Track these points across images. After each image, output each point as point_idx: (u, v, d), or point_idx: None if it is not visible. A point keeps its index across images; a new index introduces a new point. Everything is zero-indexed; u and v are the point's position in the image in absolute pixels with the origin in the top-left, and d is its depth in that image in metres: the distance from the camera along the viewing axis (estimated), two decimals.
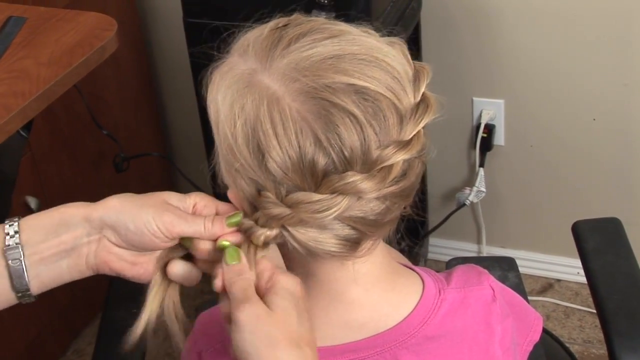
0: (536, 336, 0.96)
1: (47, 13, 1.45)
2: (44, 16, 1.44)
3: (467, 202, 2.07)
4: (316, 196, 0.73)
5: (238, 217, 0.78)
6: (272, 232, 0.76)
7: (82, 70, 1.33)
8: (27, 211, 1.84)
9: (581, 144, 1.98)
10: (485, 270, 0.92)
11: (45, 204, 1.90)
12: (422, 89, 0.77)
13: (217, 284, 0.76)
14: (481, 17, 1.91)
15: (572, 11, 1.83)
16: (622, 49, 1.85)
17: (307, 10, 1.57)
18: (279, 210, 0.74)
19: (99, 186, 2.11)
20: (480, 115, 2.02)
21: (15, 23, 1.42)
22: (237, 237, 0.78)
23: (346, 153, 0.73)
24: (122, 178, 2.13)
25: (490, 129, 2.02)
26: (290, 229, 0.75)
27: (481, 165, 2.05)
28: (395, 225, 0.82)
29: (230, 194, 0.81)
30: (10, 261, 0.81)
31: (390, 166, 0.74)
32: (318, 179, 0.73)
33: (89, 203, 0.83)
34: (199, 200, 0.82)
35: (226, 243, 0.78)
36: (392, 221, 0.80)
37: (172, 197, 0.82)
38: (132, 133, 2.18)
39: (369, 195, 0.74)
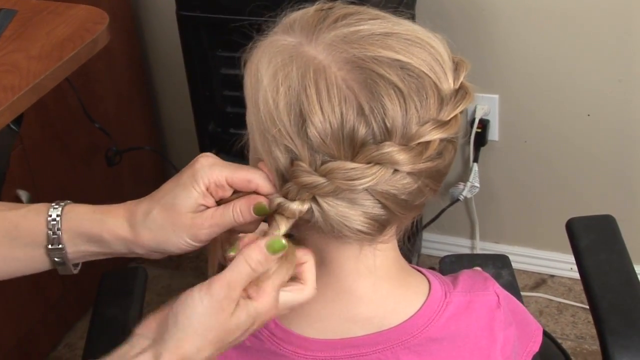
0: (536, 347, 0.96)
1: (38, 6, 1.44)
2: (35, 9, 1.43)
3: (461, 198, 2.07)
4: (352, 164, 0.73)
5: (262, 206, 0.79)
6: (303, 206, 0.76)
7: (73, 64, 1.32)
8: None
9: (575, 139, 1.98)
10: (491, 277, 0.92)
11: (36, 198, 1.90)
12: (462, 78, 0.79)
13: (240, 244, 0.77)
14: (476, 12, 1.91)
15: (567, 7, 1.83)
16: (616, 45, 1.84)
17: (302, 2, 1.56)
18: (312, 178, 0.74)
19: (91, 179, 2.10)
20: (474, 111, 2.01)
21: (5, 15, 1.41)
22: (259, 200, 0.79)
23: (387, 124, 0.73)
24: (114, 171, 2.12)
25: (484, 124, 2.01)
26: (320, 200, 0.75)
27: (475, 160, 2.05)
28: (419, 213, 0.82)
29: (261, 165, 0.80)
30: (49, 217, 0.86)
31: (428, 143, 0.74)
32: (356, 147, 0.74)
33: (126, 217, 0.84)
34: (208, 183, 0.81)
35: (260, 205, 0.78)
36: (419, 206, 0.80)
37: (184, 203, 0.81)
38: (124, 126, 2.17)
39: (404, 168, 0.74)
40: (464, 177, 2.10)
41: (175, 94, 2.24)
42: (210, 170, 0.81)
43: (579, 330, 2.04)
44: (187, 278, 2.27)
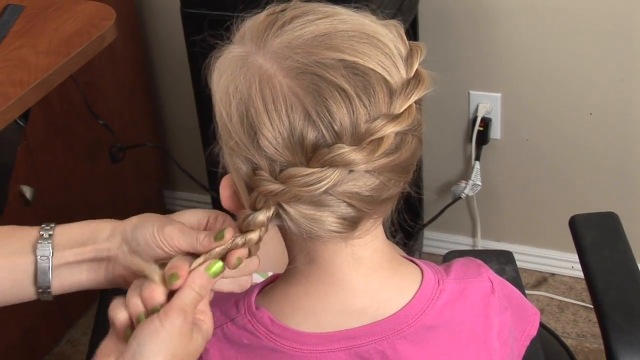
0: (533, 331, 0.97)
1: (45, 1, 1.44)
2: (42, 5, 1.44)
3: (463, 196, 2.07)
4: (307, 170, 0.74)
5: (222, 232, 0.81)
6: (270, 213, 0.77)
7: (80, 60, 1.32)
8: (22, 200, 1.84)
9: (577, 138, 1.98)
10: (484, 263, 0.93)
11: (40, 194, 1.90)
12: (415, 66, 0.78)
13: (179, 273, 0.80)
14: (479, 10, 1.91)
15: (570, 5, 1.84)
16: (619, 43, 1.85)
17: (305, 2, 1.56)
18: (274, 186, 0.75)
19: (94, 176, 2.11)
20: (476, 109, 2.02)
21: (12, 11, 1.42)
22: (236, 255, 0.81)
23: (335, 126, 0.74)
24: (117, 168, 2.13)
25: (486, 122, 2.02)
26: (286, 206, 0.76)
27: (477, 158, 2.05)
28: (395, 204, 0.82)
29: (223, 182, 0.82)
30: (39, 257, 0.87)
31: (381, 139, 0.74)
32: (308, 153, 0.74)
33: (116, 220, 0.89)
34: (217, 215, 0.86)
35: (173, 275, 0.80)
36: (390, 199, 0.80)
37: (185, 215, 0.87)
38: (128, 123, 2.18)
39: (359, 167, 0.75)
40: (465, 175, 2.10)
41: (178, 91, 2.24)
42: (222, 215, 0.87)
43: (580, 329, 2.05)
44: None
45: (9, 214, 1.61)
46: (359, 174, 0.75)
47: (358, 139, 0.74)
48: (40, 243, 0.87)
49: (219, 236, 0.81)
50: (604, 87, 1.90)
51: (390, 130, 0.74)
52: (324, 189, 0.74)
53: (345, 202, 0.76)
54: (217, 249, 0.80)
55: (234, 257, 0.80)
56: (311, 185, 0.74)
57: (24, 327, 1.97)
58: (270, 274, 1.22)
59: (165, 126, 2.36)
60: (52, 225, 0.88)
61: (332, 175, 0.74)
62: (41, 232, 0.88)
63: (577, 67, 1.90)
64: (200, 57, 1.77)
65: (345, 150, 0.73)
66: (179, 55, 2.01)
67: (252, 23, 0.81)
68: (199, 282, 0.79)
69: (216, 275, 0.80)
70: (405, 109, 0.76)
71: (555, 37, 1.88)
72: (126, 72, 2.16)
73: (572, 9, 1.84)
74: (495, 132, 2.04)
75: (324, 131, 0.74)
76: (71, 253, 0.87)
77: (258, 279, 1.20)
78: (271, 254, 0.98)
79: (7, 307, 1.93)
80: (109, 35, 1.36)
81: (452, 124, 2.07)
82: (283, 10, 0.80)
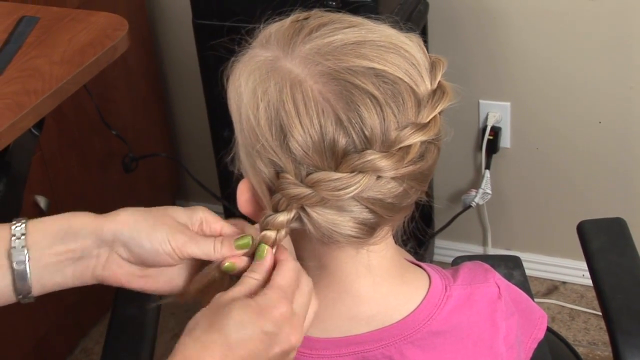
0: (540, 334, 0.97)
1: (60, 13, 1.46)
2: (57, 16, 1.46)
3: (473, 204, 2.08)
4: (336, 174, 0.75)
5: (247, 239, 0.81)
6: (291, 215, 0.77)
7: (94, 69, 1.34)
8: (37, 210, 1.86)
9: (587, 146, 1.99)
10: (491, 268, 0.93)
11: (55, 204, 1.92)
12: (439, 78, 0.79)
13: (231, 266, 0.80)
14: (488, 20, 1.93)
15: (579, 14, 1.85)
16: (628, 52, 1.86)
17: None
18: (299, 190, 0.76)
19: (108, 186, 2.12)
20: (486, 118, 2.03)
21: (28, 23, 1.44)
22: (243, 261, 0.81)
23: (366, 132, 0.75)
24: (130, 178, 2.14)
25: (496, 131, 2.03)
26: (309, 210, 0.77)
27: (487, 167, 2.06)
28: (410, 213, 0.83)
29: (242, 186, 0.82)
30: (14, 263, 0.81)
31: (409, 147, 0.75)
32: (338, 158, 0.75)
33: (97, 215, 0.84)
34: (205, 217, 0.84)
35: (230, 265, 0.80)
36: (408, 207, 0.81)
37: (179, 213, 0.84)
38: (140, 133, 2.20)
39: (387, 174, 0.75)
40: (476, 184, 2.11)
41: (191, 101, 2.26)
42: (206, 212, 0.85)
43: (591, 337, 2.05)
44: None
45: None
46: (386, 180, 0.76)
47: (388, 145, 0.75)
48: (14, 247, 0.81)
49: (243, 243, 0.81)
50: (613, 96, 1.91)
51: (418, 138, 0.76)
52: (352, 194, 0.75)
53: (367, 207, 0.77)
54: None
55: (224, 263, 0.80)
56: (340, 189, 0.75)
57: (38, 336, 1.98)
58: None
59: (177, 136, 2.38)
60: (23, 221, 0.82)
61: (361, 181, 0.75)
62: (12, 232, 0.82)
63: (586, 76, 1.91)
64: (212, 67, 1.80)
65: (376, 157, 0.74)
66: (190, 66, 2.03)
67: (277, 29, 0.81)
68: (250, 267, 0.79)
69: (246, 247, 0.80)
70: (432, 119, 0.77)
71: (564, 46, 1.89)
72: (139, 83, 2.18)
73: (581, 18, 1.85)
74: (505, 140, 2.05)
75: (355, 137, 0.75)
76: (51, 252, 0.82)
77: None
78: None
79: (21, 316, 1.95)
80: (121, 45, 1.38)
81: (462, 133, 2.08)
82: (307, 19, 0.81)
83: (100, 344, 2.15)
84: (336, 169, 0.75)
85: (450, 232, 2.16)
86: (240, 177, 0.84)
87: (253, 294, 0.76)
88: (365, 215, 0.78)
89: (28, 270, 0.81)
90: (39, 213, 1.87)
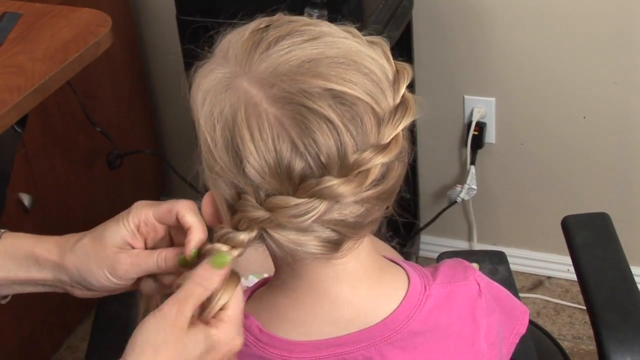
0: (522, 328, 0.97)
1: (42, 9, 1.46)
2: (39, 12, 1.45)
3: (458, 200, 2.08)
4: (294, 200, 0.73)
5: (184, 257, 0.82)
6: (252, 234, 0.76)
7: (77, 66, 1.33)
8: (21, 208, 1.85)
9: (572, 141, 1.99)
10: (472, 265, 0.93)
11: (39, 201, 1.91)
12: (402, 91, 0.77)
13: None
14: (473, 15, 1.93)
15: (564, 10, 1.85)
16: (612, 47, 1.86)
17: (300, 8, 1.57)
18: (259, 213, 0.74)
19: (92, 183, 2.12)
20: (471, 113, 2.03)
21: (10, 19, 1.43)
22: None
23: (322, 158, 0.73)
24: (115, 175, 2.14)
25: (481, 126, 2.03)
26: (270, 231, 0.76)
27: (472, 163, 2.06)
28: (377, 226, 0.82)
29: (206, 199, 0.81)
30: None
31: (368, 170, 0.74)
32: (295, 183, 0.73)
33: (59, 242, 0.88)
34: (138, 222, 0.85)
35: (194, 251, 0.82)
36: (373, 222, 0.80)
37: (114, 234, 0.85)
38: (125, 130, 2.19)
39: (346, 200, 0.74)
40: (461, 179, 2.11)
41: (175, 98, 2.25)
42: (141, 210, 0.85)
43: (576, 331, 2.05)
44: None
45: (7, 222, 1.62)
46: (345, 204, 0.75)
47: (346, 170, 0.73)
48: None
49: (182, 260, 0.83)
50: (598, 91, 1.91)
51: (378, 161, 0.74)
52: (310, 220, 0.74)
53: (330, 228, 0.76)
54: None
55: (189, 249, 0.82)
56: (298, 216, 0.73)
57: (23, 334, 1.97)
58: (266, 275, 1.23)
59: (162, 133, 2.37)
60: (2, 231, 0.88)
61: (319, 207, 0.73)
62: None
63: (570, 71, 1.91)
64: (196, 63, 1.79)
65: (334, 183, 0.73)
66: (175, 62, 2.02)
67: (235, 40, 0.79)
68: (200, 272, 0.77)
69: (220, 266, 0.77)
70: (393, 138, 0.75)
71: (549, 41, 1.90)
72: (123, 80, 2.18)
73: (566, 13, 1.85)
74: (490, 136, 2.06)
75: (311, 162, 0.73)
76: (20, 271, 0.88)
77: (254, 281, 1.21)
78: (268, 256, 0.98)
79: (6, 315, 1.94)
80: (104, 41, 1.37)
81: (447, 129, 2.08)
82: (267, 27, 0.78)
83: (85, 341, 2.13)
84: (294, 193, 0.74)
85: (435, 228, 2.16)
86: (206, 188, 0.82)
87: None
88: (328, 234, 0.77)
89: None
90: (23, 211, 1.87)
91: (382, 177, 0.76)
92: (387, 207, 0.80)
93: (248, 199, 0.75)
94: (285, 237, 0.76)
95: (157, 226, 0.85)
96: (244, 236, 0.76)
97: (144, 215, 0.85)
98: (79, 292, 0.87)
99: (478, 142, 2.05)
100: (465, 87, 2.02)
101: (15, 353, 1.97)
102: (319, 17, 1.59)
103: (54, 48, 1.35)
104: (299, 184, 0.73)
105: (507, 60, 1.95)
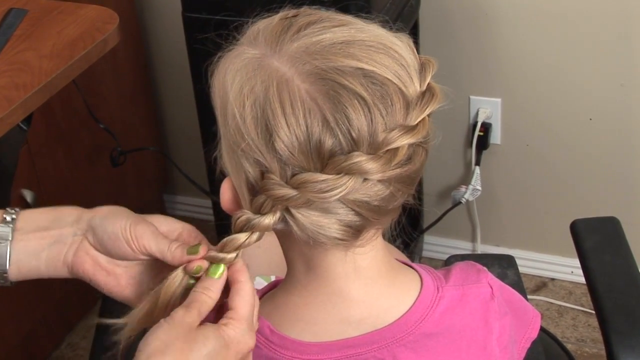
0: (534, 333, 0.97)
1: (49, 5, 1.44)
2: (45, 8, 1.44)
3: (463, 200, 2.07)
4: (322, 176, 0.74)
5: (197, 247, 0.81)
6: (276, 217, 0.76)
7: (84, 63, 1.32)
8: (23, 204, 1.84)
9: (577, 143, 1.99)
10: (484, 268, 0.92)
11: (41, 197, 1.90)
12: (428, 79, 0.78)
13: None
14: (479, 15, 1.92)
15: (571, 11, 1.84)
16: (619, 49, 1.85)
17: (306, 5, 1.57)
18: (284, 191, 0.75)
19: (95, 180, 2.11)
20: (477, 114, 2.02)
21: (16, 15, 1.42)
22: (197, 263, 0.81)
23: (353, 134, 0.73)
24: (118, 172, 2.13)
25: (486, 127, 2.03)
26: (293, 211, 0.76)
27: (477, 163, 2.06)
28: (397, 215, 0.82)
29: (225, 184, 0.81)
30: None
31: (396, 149, 0.74)
32: (324, 159, 0.74)
33: (86, 208, 0.88)
34: (189, 229, 0.86)
35: (198, 267, 0.81)
36: (394, 210, 0.80)
37: (160, 219, 0.86)
38: (129, 127, 2.18)
39: (374, 177, 0.74)
40: (466, 180, 2.11)
41: (179, 95, 2.24)
42: (195, 231, 0.87)
43: (579, 333, 2.05)
44: None
45: None
46: (372, 183, 0.75)
47: (375, 148, 0.74)
48: (1, 226, 0.86)
49: (192, 250, 0.81)
50: (604, 92, 1.91)
51: (406, 141, 0.74)
52: (338, 196, 0.74)
53: (353, 210, 0.76)
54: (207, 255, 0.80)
55: (194, 263, 0.80)
56: (326, 191, 0.74)
57: (24, 331, 1.96)
58: (273, 277, 1.22)
59: (166, 130, 2.37)
60: (17, 209, 0.87)
61: (347, 183, 0.74)
62: (4, 216, 0.86)
63: (577, 72, 1.91)
64: (201, 61, 1.78)
65: (363, 159, 0.73)
66: (180, 60, 2.01)
67: (265, 25, 0.80)
68: (202, 283, 0.79)
69: (216, 275, 0.79)
70: (420, 121, 0.76)
71: (555, 42, 1.89)
72: (127, 76, 2.17)
73: (573, 14, 1.84)
74: (496, 137, 2.05)
75: (342, 138, 0.73)
76: (33, 236, 0.86)
77: (262, 283, 1.20)
78: (275, 257, 0.98)
79: (7, 311, 1.93)
80: (111, 39, 1.36)
81: (452, 129, 2.07)
82: (295, 16, 0.80)
83: (86, 338, 2.14)
84: (322, 170, 0.74)
85: (439, 229, 2.16)
86: (222, 175, 0.83)
87: (214, 311, 0.78)
88: (350, 217, 0.77)
89: (9, 249, 0.85)
90: (25, 207, 1.85)
91: (409, 159, 0.76)
92: (408, 197, 0.80)
93: (273, 177, 0.75)
94: (308, 217, 0.76)
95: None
96: (268, 220, 0.76)
97: (196, 233, 0.87)
98: (82, 246, 0.85)
99: (483, 143, 2.04)
100: (471, 87, 2.01)
101: (16, 350, 1.96)
102: None
103: (60, 45, 1.34)
104: (327, 160, 0.74)
105: (514, 60, 1.94)
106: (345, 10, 1.57)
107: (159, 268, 0.86)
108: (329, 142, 0.73)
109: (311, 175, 0.74)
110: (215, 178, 0.85)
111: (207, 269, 0.79)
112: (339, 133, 0.73)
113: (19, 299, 1.91)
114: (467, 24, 1.94)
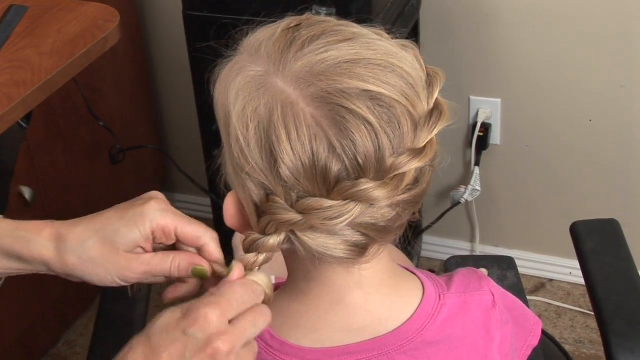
0: (535, 341, 0.96)
1: (49, 2, 1.44)
2: (46, 6, 1.43)
3: (462, 201, 2.07)
4: (328, 202, 0.72)
5: (203, 270, 0.81)
6: (281, 238, 0.75)
7: (84, 61, 1.32)
8: (21, 201, 1.84)
9: (577, 144, 1.99)
10: (486, 275, 0.92)
11: (40, 195, 1.90)
12: (436, 95, 0.77)
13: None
14: (480, 16, 1.92)
15: (571, 12, 1.84)
16: (619, 50, 1.85)
17: (308, 5, 1.56)
18: (289, 216, 0.74)
19: (94, 177, 2.10)
20: (476, 114, 2.02)
21: (16, 12, 1.41)
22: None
23: (360, 160, 0.72)
24: (117, 170, 2.12)
25: (486, 127, 2.02)
26: (299, 234, 0.75)
27: (477, 164, 2.06)
28: (402, 231, 0.81)
29: (229, 199, 0.80)
30: None
31: (404, 174, 0.73)
32: (330, 185, 0.73)
33: (53, 236, 0.83)
34: (156, 227, 0.81)
35: (201, 269, 0.81)
36: (401, 227, 0.79)
37: (125, 234, 0.81)
38: (128, 125, 2.18)
39: (381, 203, 0.73)
40: (465, 180, 2.10)
41: (179, 93, 2.24)
42: (160, 215, 0.81)
43: (577, 335, 2.05)
44: None
45: (8, 215, 1.60)
46: (379, 207, 0.74)
47: (382, 173, 0.73)
48: None
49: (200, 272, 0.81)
50: (604, 94, 1.90)
51: (414, 165, 0.73)
52: (345, 223, 0.73)
53: (359, 231, 0.75)
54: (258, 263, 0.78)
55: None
56: (332, 219, 0.73)
57: (22, 328, 1.96)
58: (273, 277, 1.22)
59: (165, 128, 2.36)
60: None
61: (353, 210, 0.72)
62: None
63: (577, 73, 1.90)
64: (202, 59, 1.77)
65: (370, 186, 0.72)
66: (179, 57, 2.01)
67: (266, 38, 0.78)
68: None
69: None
70: (428, 142, 0.74)
71: (555, 43, 1.89)
72: (127, 74, 2.16)
73: (573, 15, 1.84)
74: (495, 137, 2.05)
75: (348, 164, 0.72)
76: (4, 264, 0.85)
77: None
78: (276, 257, 0.97)
79: (4, 309, 1.93)
80: (112, 37, 1.36)
81: (451, 129, 2.06)
82: (298, 26, 0.78)
83: (84, 336, 2.13)
84: (328, 196, 0.73)
85: (438, 229, 2.16)
86: (226, 188, 0.81)
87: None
88: (357, 238, 0.76)
89: None
90: (24, 204, 1.86)
91: (416, 181, 0.75)
92: (414, 213, 0.80)
93: (277, 201, 0.74)
94: (314, 240, 0.75)
95: (172, 237, 0.82)
96: (273, 240, 0.75)
97: (164, 224, 0.81)
98: (72, 278, 0.84)
99: (483, 143, 2.04)
100: (471, 87, 2.01)
101: (14, 347, 1.96)
102: (327, 15, 1.58)
103: (61, 43, 1.34)
104: (334, 186, 0.72)
105: (514, 61, 1.94)
106: (346, 11, 1.57)
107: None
108: (335, 168, 0.72)
109: (317, 202, 0.73)
110: (216, 177, 0.84)
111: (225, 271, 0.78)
112: (346, 159, 0.72)
113: (17, 296, 1.90)
114: (468, 24, 1.94)
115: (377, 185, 0.72)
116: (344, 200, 0.72)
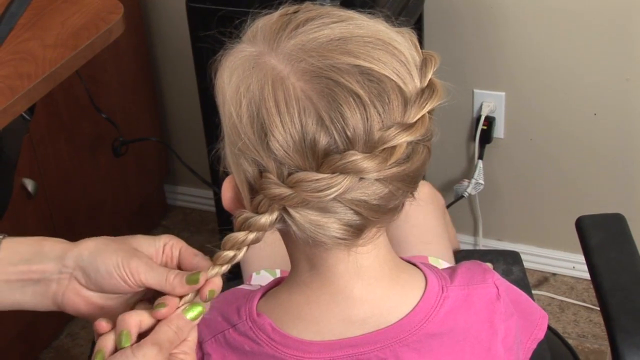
0: (541, 334, 0.96)
1: None
2: None
3: (465, 194, 2.07)
4: (317, 175, 0.73)
5: (197, 275, 0.78)
6: (273, 216, 0.76)
7: (88, 53, 1.31)
8: (24, 193, 1.84)
9: (581, 138, 1.98)
10: (490, 268, 0.92)
11: (43, 187, 1.90)
12: (429, 75, 0.77)
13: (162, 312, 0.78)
14: (484, 9, 1.91)
15: (575, 5, 1.83)
16: (624, 43, 1.85)
17: None
18: (280, 190, 0.74)
19: (96, 169, 2.10)
20: (480, 107, 2.02)
21: (20, 3, 1.40)
22: (209, 288, 0.79)
23: (348, 133, 0.73)
24: (119, 162, 2.12)
25: (490, 121, 2.02)
26: (291, 211, 0.75)
27: (480, 157, 2.05)
28: (399, 213, 0.81)
29: (226, 183, 0.81)
30: None
31: (393, 147, 0.73)
32: (319, 158, 0.73)
33: (68, 242, 0.83)
34: (168, 241, 0.82)
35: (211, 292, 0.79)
36: (395, 208, 0.79)
37: (142, 242, 0.81)
38: (130, 117, 2.17)
39: (370, 175, 0.74)
40: (468, 174, 2.10)
41: (181, 86, 2.23)
42: (172, 237, 0.82)
43: (580, 329, 2.04)
44: None
45: (10, 207, 1.61)
46: (369, 182, 0.74)
47: (371, 146, 0.73)
48: None
49: (192, 279, 0.78)
50: (609, 87, 1.90)
51: (403, 139, 0.73)
52: (333, 195, 0.73)
53: (352, 209, 0.76)
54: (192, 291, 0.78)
55: (206, 290, 0.78)
56: (321, 191, 0.73)
57: (24, 321, 1.96)
58: (278, 271, 1.22)
59: (168, 120, 2.36)
60: (1, 236, 0.83)
61: (342, 182, 0.73)
62: None
63: (581, 67, 1.90)
64: (204, 51, 1.77)
65: (358, 158, 0.73)
66: (182, 49, 2.00)
67: (264, 23, 0.79)
68: (176, 322, 0.76)
69: (195, 319, 0.77)
70: (419, 119, 0.75)
71: (560, 36, 1.88)
72: (129, 66, 2.16)
73: (577, 9, 1.84)
74: (499, 131, 2.04)
75: (337, 137, 0.73)
76: (13, 270, 0.81)
77: (267, 276, 1.20)
78: (280, 251, 0.97)
79: None
80: (116, 29, 1.35)
81: (455, 123, 2.07)
82: (296, 12, 0.79)
83: (86, 328, 2.13)
84: (317, 169, 0.73)
85: None
86: (226, 170, 0.82)
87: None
88: (350, 216, 0.76)
89: None
90: (26, 196, 1.85)
91: (407, 158, 0.75)
92: (411, 195, 0.79)
93: (269, 177, 0.75)
94: (306, 217, 0.75)
95: (175, 256, 0.82)
96: (264, 219, 0.76)
97: (175, 242, 0.82)
98: (72, 288, 0.81)
99: (486, 137, 2.03)
100: (475, 80, 2.00)
101: (16, 339, 1.96)
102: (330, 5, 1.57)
103: (65, 35, 1.33)
104: (322, 159, 0.73)
105: (518, 54, 1.94)
106: (349, 3, 1.56)
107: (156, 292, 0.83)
108: (323, 141, 0.73)
109: (306, 175, 0.73)
110: (216, 169, 0.84)
111: (186, 308, 0.77)
112: (334, 131, 0.73)
113: None
114: (472, 17, 1.93)
115: (365, 157, 0.73)
116: (333, 173, 0.73)
